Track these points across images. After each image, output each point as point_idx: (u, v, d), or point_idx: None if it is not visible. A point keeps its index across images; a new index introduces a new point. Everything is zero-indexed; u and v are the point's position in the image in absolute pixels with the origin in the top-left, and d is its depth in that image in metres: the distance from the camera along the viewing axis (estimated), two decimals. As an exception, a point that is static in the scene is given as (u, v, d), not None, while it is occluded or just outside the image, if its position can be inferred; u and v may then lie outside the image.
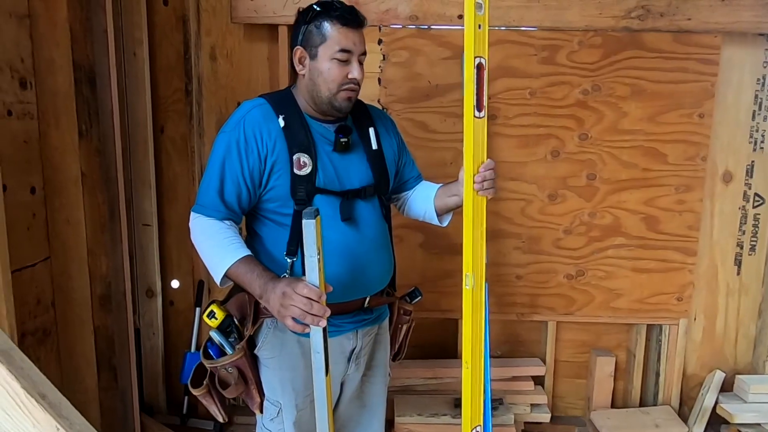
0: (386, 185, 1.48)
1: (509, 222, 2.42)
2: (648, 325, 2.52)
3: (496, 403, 2.29)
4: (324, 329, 1.22)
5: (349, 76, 1.33)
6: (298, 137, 1.33)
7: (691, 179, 2.37)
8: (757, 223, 2.45)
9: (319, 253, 1.17)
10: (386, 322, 1.56)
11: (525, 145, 2.37)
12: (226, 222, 1.33)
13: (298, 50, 1.36)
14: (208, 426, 2.48)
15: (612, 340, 2.60)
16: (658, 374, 2.54)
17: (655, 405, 2.54)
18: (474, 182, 1.29)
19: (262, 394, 1.41)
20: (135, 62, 2.30)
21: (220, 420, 1.42)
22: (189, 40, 2.36)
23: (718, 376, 2.46)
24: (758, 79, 2.36)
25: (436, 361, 2.49)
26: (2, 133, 1.62)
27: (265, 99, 1.38)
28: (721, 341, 2.54)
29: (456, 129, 2.35)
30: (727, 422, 2.37)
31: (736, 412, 2.31)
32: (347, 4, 1.36)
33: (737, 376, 2.45)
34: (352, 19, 1.32)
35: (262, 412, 1.42)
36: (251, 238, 1.44)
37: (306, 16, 1.34)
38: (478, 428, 1.40)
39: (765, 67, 2.35)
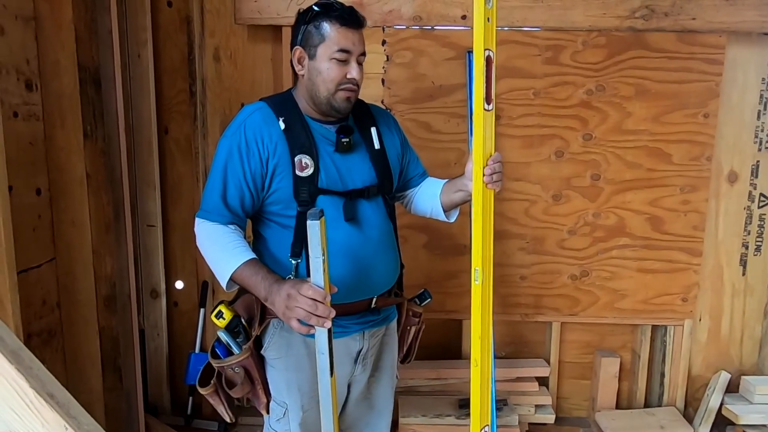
0: (390, 184, 1.48)
1: (513, 222, 2.42)
2: (653, 325, 2.51)
3: (500, 404, 2.29)
4: (329, 330, 1.22)
5: (348, 76, 1.34)
6: (299, 139, 1.33)
7: (696, 179, 2.37)
8: (762, 223, 2.44)
9: (323, 255, 1.17)
10: (394, 323, 1.56)
11: (529, 146, 2.36)
12: (231, 226, 1.34)
13: (297, 50, 1.37)
14: (212, 427, 2.48)
15: (617, 341, 2.59)
16: (663, 375, 2.53)
17: (660, 406, 2.54)
18: (483, 175, 1.28)
19: (268, 395, 1.41)
20: (139, 63, 2.31)
21: (228, 419, 1.42)
22: (193, 42, 2.37)
23: (724, 377, 2.45)
24: (763, 79, 2.35)
25: (441, 362, 2.49)
26: (8, 134, 1.63)
27: (265, 102, 1.39)
28: (727, 342, 2.53)
29: (460, 129, 2.35)
30: (732, 423, 2.36)
31: (741, 413, 2.30)
32: (348, 4, 1.37)
33: (743, 377, 2.44)
34: (352, 20, 1.33)
35: (268, 412, 1.43)
36: (256, 241, 1.45)
37: (305, 17, 1.35)
38: (487, 428, 1.39)
39: (770, 67, 2.35)
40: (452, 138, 2.36)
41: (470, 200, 1.43)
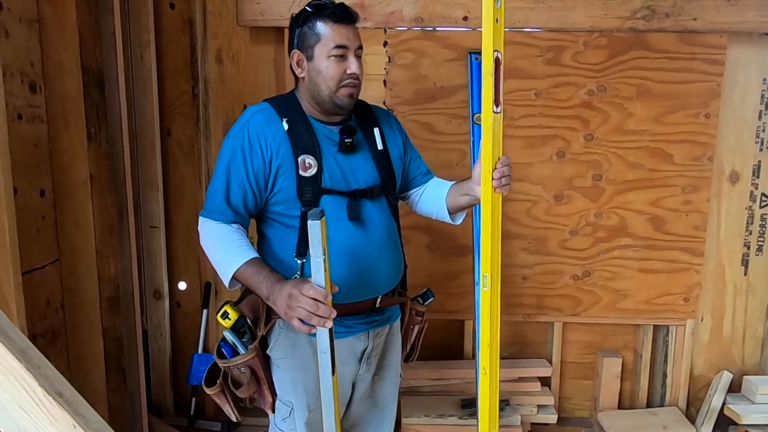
0: (393, 185, 1.49)
1: (515, 223, 2.42)
2: (655, 325, 2.51)
3: (502, 404, 2.29)
4: (330, 330, 1.22)
5: (348, 72, 1.34)
6: (302, 139, 1.34)
7: (697, 179, 2.37)
8: (764, 223, 2.44)
9: (324, 254, 1.17)
10: (397, 322, 1.56)
11: (531, 146, 2.37)
12: (234, 225, 1.35)
13: (295, 53, 1.38)
14: (215, 427, 2.48)
15: (619, 341, 2.59)
16: (665, 375, 2.53)
17: (662, 406, 2.54)
18: (492, 179, 1.27)
19: (274, 394, 1.42)
20: (142, 65, 2.32)
21: (234, 419, 1.43)
22: (195, 43, 2.38)
23: (726, 376, 2.45)
24: (764, 79, 2.35)
25: (443, 362, 2.49)
26: (12, 136, 1.63)
27: (268, 103, 1.40)
28: (729, 342, 2.53)
29: (461, 130, 2.36)
30: (734, 423, 2.36)
31: (744, 413, 2.30)
32: (350, 5, 1.38)
33: (745, 377, 2.44)
34: (344, 15, 1.34)
35: (274, 411, 1.43)
36: (260, 241, 1.45)
37: (299, 20, 1.37)
38: None
39: (771, 67, 2.35)
40: (454, 139, 2.36)
41: (476, 204, 1.43)
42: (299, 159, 1.33)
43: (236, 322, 1.34)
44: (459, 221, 1.59)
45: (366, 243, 1.38)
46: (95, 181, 1.98)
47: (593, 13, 2.26)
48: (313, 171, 1.33)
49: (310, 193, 1.33)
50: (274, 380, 1.41)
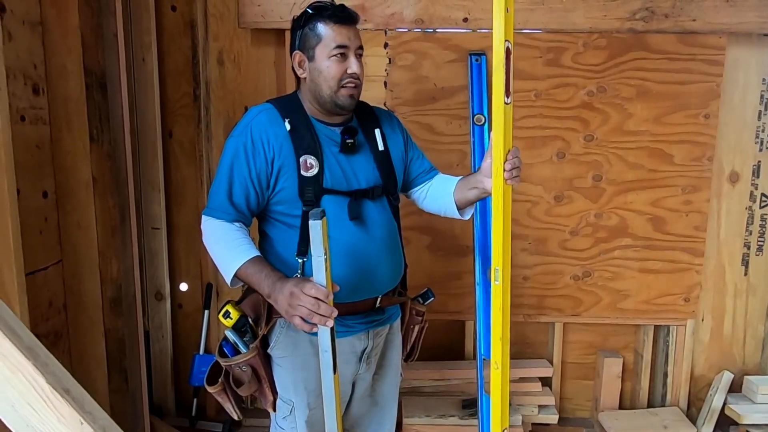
0: (394, 185, 1.50)
1: (516, 223, 2.43)
2: (655, 326, 2.52)
3: (504, 405, 2.30)
4: (331, 329, 1.23)
5: (348, 71, 1.36)
6: (304, 140, 1.36)
7: (697, 180, 2.38)
8: (764, 223, 2.45)
9: (325, 254, 1.18)
10: (398, 322, 1.57)
11: (531, 147, 2.37)
12: (236, 224, 1.36)
13: (297, 55, 1.40)
14: (216, 428, 2.49)
15: (619, 341, 2.60)
16: (665, 375, 2.53)
17: (663, 406, 2.54)
18: (504, 170, 1.25)
19: (275, 393, 1.42)
20: (144, 67, 2.33)
21: (235, 417, 1.44)
22: (197, 45, 2.39)
23: (727, 376, 2.46)
24: (764, 79, 2.36)
25: (444, 362, 2.50)
26: (15, 138, 1.64)
27: (271, 103, 1.42)
28: (729, 342, 2.54)
29: (462, 131, 2.36)
30: (735, 423, 2.37)
31: (744, 413, 2.30)
32: (351, 7, 1.40)
33: (745, 377, 2.45)
34: (344, 16, 1.36)
35: (275, 410, 1.44)
36: (262, 240, 1.46)
37: (300, 22, 1.39)
38: (507, 431, 1.38)
39: (770, 68, 2.36)
40: (454, 140, 2.37)
41: (485, 197, 1.44)
42: (301, 159, 1.34)
43: (238, 321, 1.35)
44: (467, 216, 1.58)
45: (367, 243, 1.39)
46: (97, 183, 1.99)
47: (593, 14, 2.27)
48: (314, 171, 1.35)
49: (312, 192, 1.34)
50: (275, 379, 1.42)
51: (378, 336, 1.49)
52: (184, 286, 2.58)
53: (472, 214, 1.61)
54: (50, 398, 0.60)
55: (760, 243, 2.46)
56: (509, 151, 1.26)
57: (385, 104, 2.34)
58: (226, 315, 1.35)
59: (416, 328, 1.62)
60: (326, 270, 1.20)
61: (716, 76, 2.32)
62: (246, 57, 2.40)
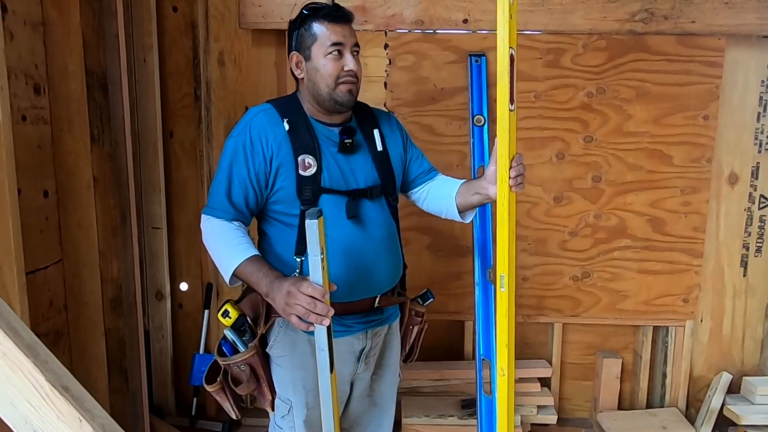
0: (393, 185, 1.51)
1: (515, 224, 2.43)
2: (654, 326, 2.52)
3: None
4: (328, 327, 1.24)
5: (345, 68, 1.37)
6: (303, 139, 1.37)
7: (696, 181, 2.38)
8: (762, 224, 2.45)
9: (322, 253, 1.19)
10: (397, 322, 1.58)
11: (530, 148, 2.38)
12: (235, 223, 1.37)
13: (294, 55, 1.42)
14: (216, 427, 2.49)
15: (618, 342, 2.60)
16: (664, 376, 2.54)
17: (662, 407, 2.54)
18: (509, 176, 1.26)
19: (273, 392, 1.43)
20: (145, 68, 2.33)
21: (233, 416, 1.45)
22: (198, 46, 2.40)
23: (725, 377, 2.46)
24: (763, 81, 2.36)
25: (443, 363, 2.50)
26: (17, 138, 1.65)
27: (271, 104, 1.43)
28: (728, 343, 2.54)
29: (462, 132, 2.37)
30: (734, 424, 2.37)
31: (743, 413, 2.30)
32: (351, 8, 1.41)
33: (744, 378, 2.45)
34: (339, 15, 1.38)
35: (273, 409, 1.45)
36: (261, 239, 1.47)
37: (296, 23, 1.42)
38: None
39: (770, 69, 2.36)
40: (454, 141, 2.38)
41: (487, 203, 1.45)
42: (299, 158, 1.35)
43: (237, 320, 1.36)
44: (469, 219, 1.60)
45: (365, 242, 1.40)
46: (98, 183, 2.00)
47: (592, 15, 2.27)
48: (312, 170, 1.36)
49: (310, 192, 1.35)
50: (274, 378, 1.43)
51: (376, 336, 1.49)
52: (184, 286, 2.59)
53: (473, 216, 1.62)
54: (49, 396, 0.60)
55: (759, 244, 2.47)
56: (513, 157, 1.27)
57: (385, 105, 2.35)
58: (225, 314, 1.36)
59: (415, 329, 1.62)
60: (323, 269, 1.20)
61: (715, 78, 2.32)
62: (247, 57, 2.41)
